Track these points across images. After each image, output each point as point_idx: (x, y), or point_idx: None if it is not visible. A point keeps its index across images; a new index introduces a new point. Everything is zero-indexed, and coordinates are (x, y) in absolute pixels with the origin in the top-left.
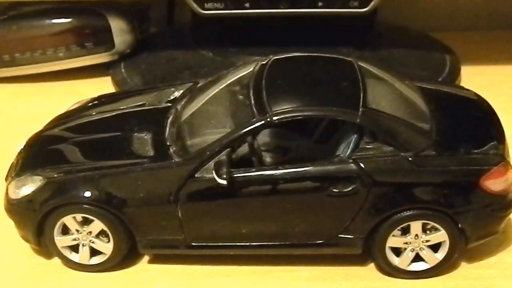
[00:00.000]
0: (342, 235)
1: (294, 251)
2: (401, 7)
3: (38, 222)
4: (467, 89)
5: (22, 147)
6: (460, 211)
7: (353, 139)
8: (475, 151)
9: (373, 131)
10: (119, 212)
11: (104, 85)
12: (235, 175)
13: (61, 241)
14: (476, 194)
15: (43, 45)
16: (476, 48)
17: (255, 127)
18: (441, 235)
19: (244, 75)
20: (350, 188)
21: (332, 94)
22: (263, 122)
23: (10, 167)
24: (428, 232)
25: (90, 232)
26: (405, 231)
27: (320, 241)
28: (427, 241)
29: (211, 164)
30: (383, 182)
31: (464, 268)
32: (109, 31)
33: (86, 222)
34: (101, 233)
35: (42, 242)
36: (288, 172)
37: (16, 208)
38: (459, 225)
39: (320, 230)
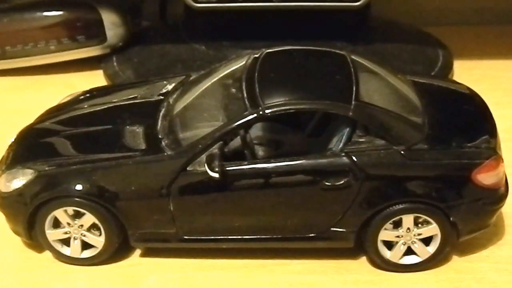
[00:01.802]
0: (334, 229)
1: (286, 244)
2: (394, 1)
3: (29, 216)
4: (460, 83)
5: (13, 140)
6: (452, 205)
7: (346, 133)
8: (467, 145)
9: (366, 124)
10: (111, 205)
11: (96, 79)
12: (227, 168)
13: (53, 235)
14: (468, 188)
15: (34, 38)
16: (469, 43)
17: (248, 120)
18: (432, 229)
19: (237, 68)
20: (343, 182)
21: (324, 88)
22: (255, 115)
23: (1, 160)
24: (420, 225)
25: (82, 226)
26: (397, 224)
27: (312, 235)
28: (419, 234)
29: (203, 157)
30: (376, 175)
31: (456, 262)
32: (101, 24)
33: (77, 215)
34: (93, 226)
35: (33, 236)
36: (280, 165)
37: (7, 202)
38: (451, 219)
39: (312, 224)
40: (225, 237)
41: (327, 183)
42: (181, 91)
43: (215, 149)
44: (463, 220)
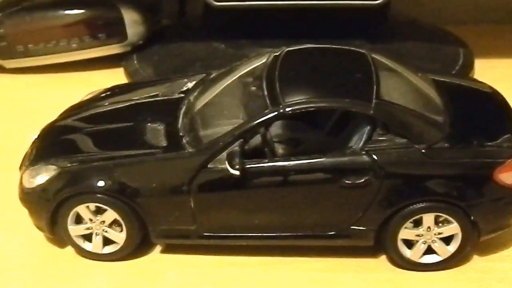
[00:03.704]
0: (354, 227)
1: (306, 242)
2: (414, 0)
3: (52, 211)
4: (481, 82)
5: (36, 137)
6: (472, 204)
7: (366, 131)
8: (489, 143)
9: (386, 123)
10: (132, 201)
11: (117, 76)
12: (248, 166)
13: (75, 230)
14: (489, 187)
15: (56, 36)
16: (490, 41)
17: (268, 118)
18: (453, 228)
19: (257, 66)
20: (363, 180)
21: (345, 86)
22: (276, 113)
23: (24, 156)
24: (440, 224)
25: (103, 222)
26: (417, 223)
27: (332, 233)
28: (439, 233)
29: (224, 154)
30: (396, 174)
31: (476, 261)
32: (122, 23)
33: (99, 211)
34: (114, 222)
35: (56, 231)
36: (300, 163)
37: (30, 197)
38: (472, 218)
39: (332, 222)
40: (245, 234)
41: (347, 181)
42: (201, 89)
43: (235, 147)
44: (484, 220)
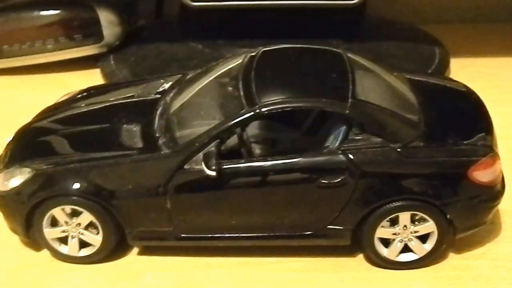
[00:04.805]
0: (331, 226)
1: (283, 242)
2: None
3: (27, 214)
4: (456, 81)
5: (10, 139)
6: (448, 202)
7: (342, 131)
8: (464, 142)
9: (362, 122)
10: (108, 204)
11: (93, 77)
12: (224, 167)
13: (50, 233)
14: (465, 185)
15: (31, 37)
16: (465, 41)
17: (244, 118)
18: (429, 226)
19: (233, 66)
20: (339, 179)
21: (321, 86)
22: (252, 113)
23: None
24: (416, 223)
25: (79, 224)
26: (394, 222)
27: (309, 232)
28: (415, 232)
29: (200, 155)
30: (372, 173)
31: (452, 259)
32: (98, 23)
33: (75, 214)
34: (90, 225)
35: (31, 234)
36: (277, 163)
37: (5, 200)
38: (448, 216)
39: (309, 221)
40: (222, 235)
41: (323, 181)
42: (178, 89)
43: (212, 148)
44: (459, 218)
